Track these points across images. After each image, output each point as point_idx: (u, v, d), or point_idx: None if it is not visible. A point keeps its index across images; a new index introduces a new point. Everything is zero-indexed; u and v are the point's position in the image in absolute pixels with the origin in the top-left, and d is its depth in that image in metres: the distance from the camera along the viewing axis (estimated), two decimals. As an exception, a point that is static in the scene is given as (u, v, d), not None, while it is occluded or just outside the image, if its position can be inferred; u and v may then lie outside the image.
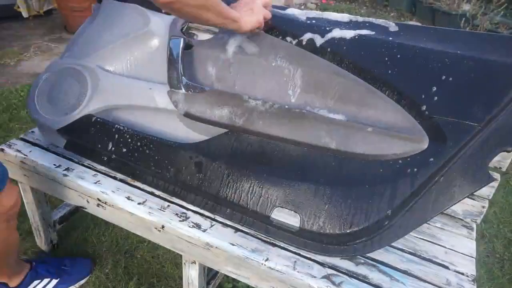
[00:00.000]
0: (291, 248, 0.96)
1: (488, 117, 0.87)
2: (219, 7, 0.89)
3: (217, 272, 1.23)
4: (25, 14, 3.50)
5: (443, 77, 0.91)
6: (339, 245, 0.93)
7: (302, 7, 4.95)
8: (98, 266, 1.40)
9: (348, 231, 0.91)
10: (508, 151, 0.93)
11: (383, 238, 0.91)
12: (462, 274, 0.94)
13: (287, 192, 0.96)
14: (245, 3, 0.98)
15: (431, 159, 0.89)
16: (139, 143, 1.08)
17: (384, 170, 0.92)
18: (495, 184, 1.03)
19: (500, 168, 1.01)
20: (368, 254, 0.95)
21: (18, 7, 3.45)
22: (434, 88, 0.91)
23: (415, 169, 0.90)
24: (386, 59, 0.96)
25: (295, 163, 0.98)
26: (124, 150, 1.08)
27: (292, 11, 1.12)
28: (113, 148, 1.09)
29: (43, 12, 3.62)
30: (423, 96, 0.92)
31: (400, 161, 0.91)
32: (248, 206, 0.98)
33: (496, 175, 1.05)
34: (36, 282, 1.23)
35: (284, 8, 1.15)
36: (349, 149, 0.94)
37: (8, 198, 0.99)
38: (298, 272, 0.90)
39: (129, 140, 1.08)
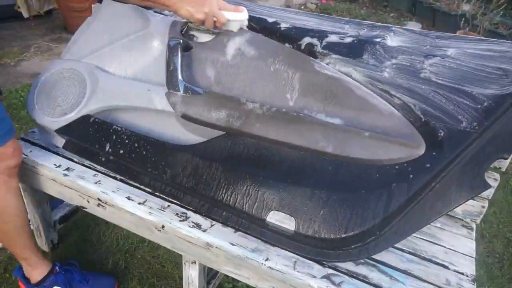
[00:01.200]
0: (291, 248, 0.95)
1: (485, 124, 0.86)
2: None
3: (217, 272, 1.23)
4: (25, 14, 3.49)
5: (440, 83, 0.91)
6: (334, 250, 0.92)
7: (302, 7, 4.95)
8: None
9: (343, 236, 0.91)
10: (505, 158, 0.93)
11: (379, 244, 0.91)
12: (462, 274, 0.94)
13: (283, 195, 0.95)
14: None
15: (428, 165, 0.89)
16: (136, 144, 1.07)
17: (381, 175, 0.92)
18: (494, 184, 1.03)
19: (500, 168, 1.01)
20: (368, 254, 0.95)
21: (19, 7, 3.45)
22: (431, 94, 0.91)
23: (412, 175, 0.89)
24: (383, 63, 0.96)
25: (291, 167, 0.97)
26: (122, 151, 1.08)
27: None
28: (110, 149, 1.09)
29: (43, 12, 3.61)
30: (420, 102, 0.91)
31: (396, 167, 0.91)
32: (244, 208, 0.98)
33: (496, 175, 1.05)
34: None
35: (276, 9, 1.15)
36: (345, 153, 0.94)
37: (9, 149, 1.00)
38: (298, 272, 0.90)
39: (127, 141, 1.08)
